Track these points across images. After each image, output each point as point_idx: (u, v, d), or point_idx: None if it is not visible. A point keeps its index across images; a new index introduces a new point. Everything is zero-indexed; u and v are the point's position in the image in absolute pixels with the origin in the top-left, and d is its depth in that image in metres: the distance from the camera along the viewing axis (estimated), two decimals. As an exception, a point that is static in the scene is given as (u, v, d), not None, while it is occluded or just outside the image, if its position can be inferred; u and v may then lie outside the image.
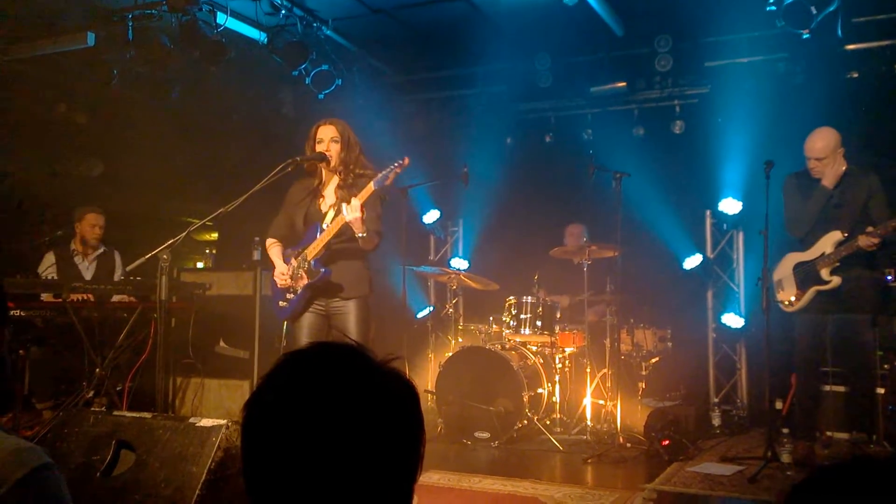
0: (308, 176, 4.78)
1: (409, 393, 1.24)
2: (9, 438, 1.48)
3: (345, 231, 4.43)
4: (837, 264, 5.27)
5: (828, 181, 5.33)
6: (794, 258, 5.53)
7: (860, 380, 5.55)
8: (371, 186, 4.36)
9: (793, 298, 5.49)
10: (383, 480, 1.18)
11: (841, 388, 5.88)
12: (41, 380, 6.28)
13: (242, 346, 6.64)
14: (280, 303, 4.68)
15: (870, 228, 5.07)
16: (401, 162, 4.38)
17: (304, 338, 4.59)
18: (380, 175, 4.36)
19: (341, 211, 4.36)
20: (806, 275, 5.42)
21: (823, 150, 5.27)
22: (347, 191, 4.54)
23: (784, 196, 5.60)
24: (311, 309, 4.62)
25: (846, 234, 5.22)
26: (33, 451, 1.47)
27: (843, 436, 5.90)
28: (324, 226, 4.55)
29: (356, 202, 4.29)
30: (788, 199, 5.55)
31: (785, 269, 5.57)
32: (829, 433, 5.81)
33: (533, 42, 7.74)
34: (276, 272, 4.69)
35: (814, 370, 5.54)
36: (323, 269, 4.49)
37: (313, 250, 4.51)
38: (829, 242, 5.32)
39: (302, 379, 1.20)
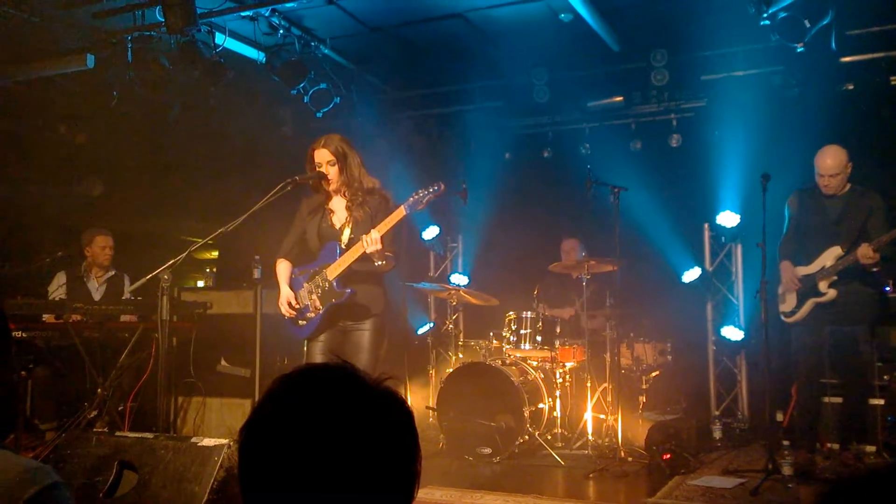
0: (315, 192, 4.78)
1: (402, 412, 1.27)
2: (18, 459, 1.50)
3: (366, 255, 4.41)
4: (835, 278, 5.45)
5: (836, 197, 5.53)
6: (798, 272, 5.63)
7: (855, 391, 5.70)
8: (402, 210, 4.35)
9: (793, 310, 5.58)
10: (379, 500, 1.20)
11: (839, 400, 5.90)
12: (44, 401, 6.28)
13: (244, 364, 6.64)
14: (300, 321, 4.64)
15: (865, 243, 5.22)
16: (437, 188, 4.34)
17: (320, 355, 4.57)
18: (412, 199, 4.34)
19: (361, 239, 4.34)
20: (805, 288, 5.56)
21: (834, 167, 5.43)
22: (360, 209, 4.55)
23: (789, 211, 5.79)
24: (329, 327, 4.60)
25: (846, 250, 5.37)
26: (43, 471, 1.49)
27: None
28: (342, 245, 4.53)
29: (376, 234, 4.29)
30: (793, 216, 5.70)
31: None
32: (829, 445, 5.82)
33: (530, 58, 7.79)
34: (282, 299, 4.65)
35: (813, 381, 5.63)
36: (348, 290, 4.46)
37: (335, 271, 4.48)
38: (829, 257, 5.51)
39: (296, 402, 1.22)
